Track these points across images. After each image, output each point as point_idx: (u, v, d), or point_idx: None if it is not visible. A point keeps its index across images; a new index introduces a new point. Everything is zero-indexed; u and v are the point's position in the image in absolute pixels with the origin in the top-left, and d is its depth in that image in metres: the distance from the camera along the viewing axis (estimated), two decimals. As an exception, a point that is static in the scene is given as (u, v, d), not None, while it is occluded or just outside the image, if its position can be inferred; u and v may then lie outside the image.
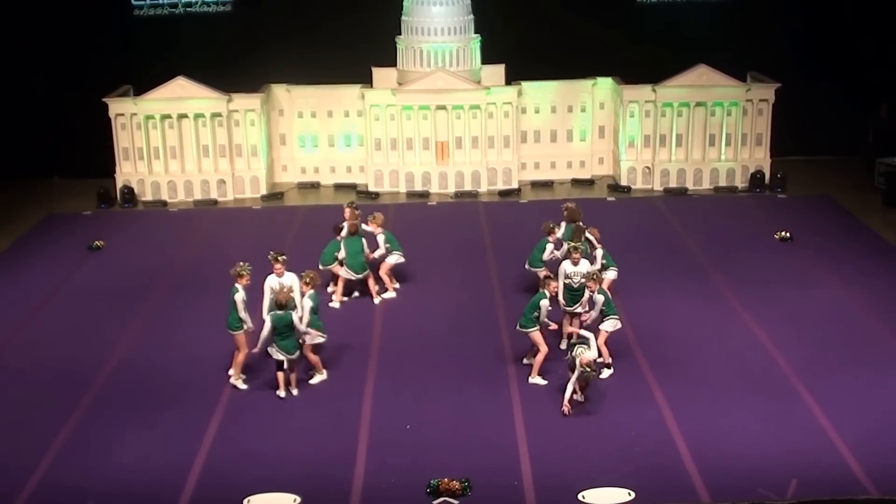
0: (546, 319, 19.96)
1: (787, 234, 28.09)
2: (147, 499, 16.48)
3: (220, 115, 33.29)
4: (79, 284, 26.07)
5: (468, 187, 33.73)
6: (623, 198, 33.03)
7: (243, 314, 19.84)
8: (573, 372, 18.71)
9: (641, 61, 33.96)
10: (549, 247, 22.98)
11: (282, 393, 19.70)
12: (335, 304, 24.07)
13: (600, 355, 19.89)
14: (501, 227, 29.81)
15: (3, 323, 23.59)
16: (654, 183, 33.76)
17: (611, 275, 22.57)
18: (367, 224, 24.18)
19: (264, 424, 18.68)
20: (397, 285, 24.85)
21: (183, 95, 32.91)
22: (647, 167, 33.81)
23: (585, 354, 18.51)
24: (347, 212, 24.32)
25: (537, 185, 34.27)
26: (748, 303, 23.62)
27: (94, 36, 34.45)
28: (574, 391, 18.87)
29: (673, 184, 33.68)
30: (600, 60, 34.39)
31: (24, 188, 34.62)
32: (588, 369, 18.45)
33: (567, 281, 21.04)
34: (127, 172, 33.52)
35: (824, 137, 35.91)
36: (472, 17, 33.71)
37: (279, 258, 20.54)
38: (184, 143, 33.49)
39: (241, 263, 20.04)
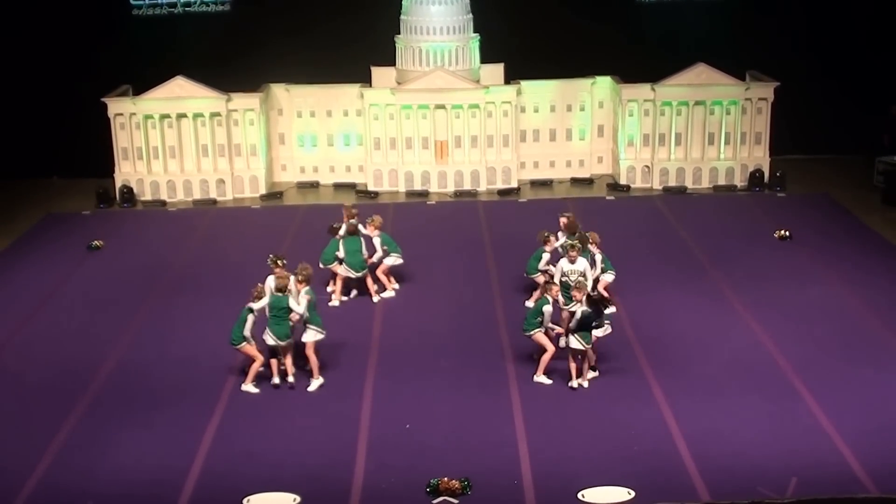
0: (550, 324, 19.95)
1: (787, 233, 28.09)
2: (147, 499, 16.47)
3: (219, 114, 33.29)
4: (78, 284, 26.07)
5: (467, 186, 33.74)
6: (622, 197, 33.03)
7: (248, 333, 19.81)
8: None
9: (640, 60, 33.97)
10: (546, 257, 22.94)
11: (276, 380, 19.83)
12: (335, 303, 24.07)
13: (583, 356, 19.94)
14: (501, 227, 29.81)
15: (2, 322, 23.58)
16: (653, 182, 33.77)
17: (608, 277, 22.56)
18: (364, 227, 24.18)
19: (264, 424, 18.67)
20: (396, 285, 24.85)
21: (182, 95, 32.90)
22: (647, 166, 33.81)
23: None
24: (345, 214, 24.37)
25: (536, 184, 34.27)
26: (747, 302, 23.62)
27: (93, 36, 34.43)
28: (583, 371, 19.39)
29: (672, 183, 33.68)
30: (599, 59, 34.40)
31: (24, 188, 34.61)
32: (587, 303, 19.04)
33: (563, 279, 21.05)
34: (126, 172, 33.52)
35: (823, 136, 35.92)
36: (471, 16, 33.71)
37: (279, 262, 20.55)
38: (183, 142, 33.48)
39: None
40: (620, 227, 27.90)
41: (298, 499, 16.27)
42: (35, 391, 20.18)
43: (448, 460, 17.15)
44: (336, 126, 34.76)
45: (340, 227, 24.10)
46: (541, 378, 19.98)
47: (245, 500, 16.25)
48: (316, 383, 20.05)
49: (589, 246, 22.26)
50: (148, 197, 33.48)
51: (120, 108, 33.12)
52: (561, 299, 20.77)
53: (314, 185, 34.72)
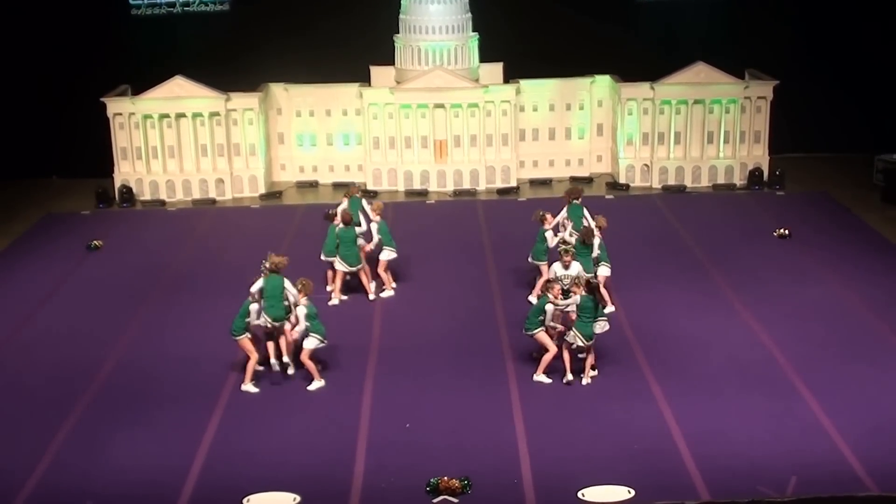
0: (552, 322, 19.94)
1: (786, 232, 28.09)
2: (146, 499, 16.46)
3: (218, 114, 33.28)
4: (77, 284, 26.06)
5: (467, 186, 33.74)
6: (622, 196, 33.04)
7: (252, 319, 19.85)
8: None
9: (639, 59, 33.99)
10: (549, 234, 23.00)
11: (273, 361, 19.95)
12: (334, 302, 24.06)
13: (585, 351, 19.99)
14: (500, 226, 29.81)
15: (1, 323, 23.58)
16: (652, 181, 33.77)
17: (604, 271, 22.56)
18: (368, 207, 24.26)
19: (264, 424, 18.67)
20: (395, 285, 24.83)
21: (181, 95, 32.90)
22: (646, 165, 33.82)
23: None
24: (349, 193, 24.90)
25: (536, 183, 34.28)
26: (747, 300, 23.63)
27: (92, 36, 34.43)
28: (584, 368, 19.53)
29: (671, 181, 33.69)
30: (598, 58, 34.40)
31: (23, 188, 34.61)
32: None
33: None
34: (125, 172, 33.51)
35: (823, 134, 35.95)
36: (469, 15, 33.71)
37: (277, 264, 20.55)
38: (182, 142, 33.48)
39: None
40: (620, 226, 27.80)
41: (298, 498, 16.27)
42: (34, 391, 20.17)
43: (448, 460, 17.15)
44: (335, 125, 34.76)
45: (336, 214, 24.13)
46: (540, 377, 19.98)
47: (245, 500, 16.25)
48: (316, 384, 20.04)
49: (594, 231, 22.31)
50: (147, 197, 33.47)
51: (119, 107, 33.11)
52: (560, 301, 20.67)
53: (313, 185, 34.72)
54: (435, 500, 16.12)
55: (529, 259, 23.56)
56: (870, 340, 21.49)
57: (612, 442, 17.72)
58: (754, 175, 33.34)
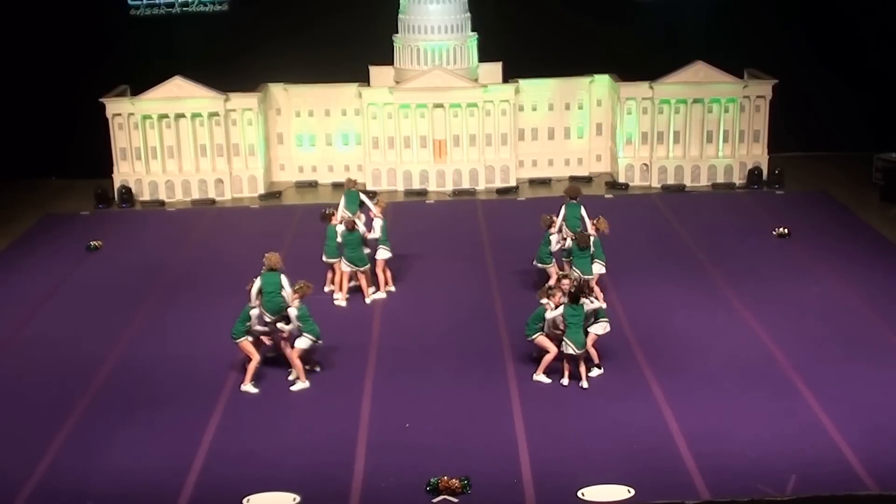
0: (552, 329, 19.94)
1: (785, 231, 28.09)
2: (146, 499, 16.45)
3: (217, 114, 33.28)
4: (77, 284, 26.06)
5: (466, 185, 33.74)
6: (621, 195, 33.03)
7: (252, 324, 19.91)
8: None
9: (638, 58, 33.99)
10: (554, 238, 22.99)
11: (267, 341, 20.14)
12: (342, 303, 24.02)
13: (589, 358, 20.07)
14: (499, 225, 29.81)
15: (1, 323, 23.57)
16: (651, 180, 33.77)
17: (597, 269, 22.55)
18: (369, 201, 24.45)
19: (263, 424, 18.66)
20: (391, 288, 24.72)
21: (180, 95, 32.90)
22: (645, 164, 33.82)
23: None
24: (347, 185, 25.30)
25: (535, 182, 34.28)
26: (746, 299, 23.63)
27: (90, 36, 34.43)
28: (579, 374, 19.53)
29: (671, 181, 33.69)
30: (597, 58, 34.40)
31: (22, 188, 34.60)
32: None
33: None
34: (124, 172, 33.51)
35: (822, 133, 35.95)
36: (468, 14, 33.71)
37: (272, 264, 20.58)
38: (181, 142, 33.48)
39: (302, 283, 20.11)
40: (619, 226, 27.71)
41: (298, 498, 16.26)
42: (34, 391, 20.17)
43: (448, 459, 17.14)
44: (334, 125, 34.76)
45: (334, 214, 24.11)
46: (540, 377, 19.98)
47: (245, 500, 16.24)
48: (300, 385, 20.02)
49: (590, 236, 22.33)
50: (146, 197, 33.47)
51: (118, 108, 33.11)
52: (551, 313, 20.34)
53: (313, 185, 34.72)
54: (435, 500, 16.11)
55: (534, 263, 23.54)
56: (869, 339, 21.49)
57: (611, 441, 17.71)
58: (753, 174, 33.34)
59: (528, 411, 18.79)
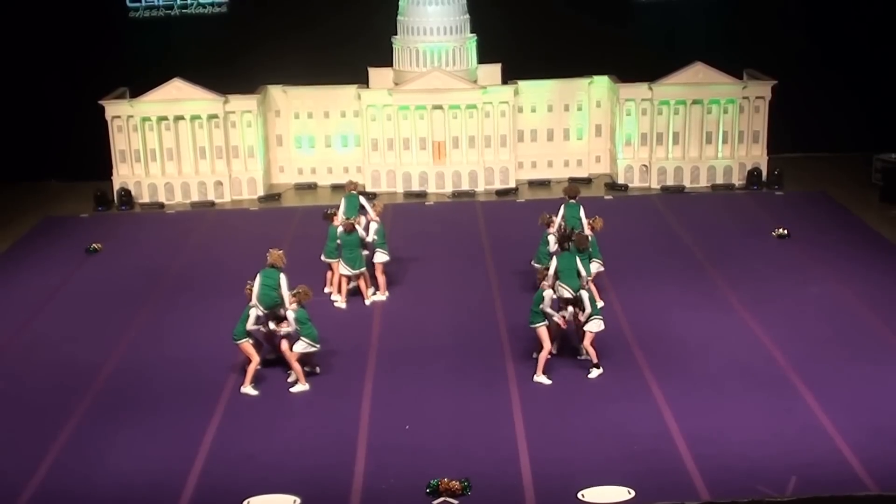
0: (551, 310, 19.94)
1: (785, 231, 28.10)
2: (146, 502, 16.45)
3: (216, 116, 33.28)
4: (76, 287, 26.06)
5: (465, 187, 33.73)
6: (620, 196, 33.04)
7: (252, 327, 19.92)
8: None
9: (638, 59, 33.98)
10: (552, 238, 23.00)
11: (263, 329, 20.16)
12: (342, 305, 24.04)
13: (587, 353, 20.23)
14: (499, 227, 29.81)
15: (1, 326, 23.57)
16: (651, 181, 33.78)
17: (595, 268, 22.56)
18: (368, 205, 24.37)
19: (263, 426, 18.67)
20: (387, 293, 24.69)
21: (179, 97, 32.90)
22: (644, 165, 33.82)
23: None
24: (347, 188, 25.11)
25: (534, 184, 34.28)
26: (746, 300, 23.63)
27: (89, 38, 34.41)
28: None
29: (670, 182, 33.69)
30: (596, 59, 34.41)
31: (22, 191, 34.58)
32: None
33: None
34: (124, 175, 33.50)
35: (821, 134, 35.94)
36: (467, 16, 33.72)
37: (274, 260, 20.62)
38: (180, 144, 33.48)
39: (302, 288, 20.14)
40: (619, 227, 27.84)
41: (298, 500, 16.26)
42: (34, 394, 20.16)
43: (448, 461, 17.15)
44: (333, 127, 34.77)
45: (336, 213, 24.11)
46: (540, 378, 19.99)
47: (245, 502, 16.24)
48: (300, 387, 20.04)
49: (587, 237, 22.35)
50: (146, 199, 33.47)
51: (117, 110, 33.11)
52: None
53: (312, 187, 34.72)
54: (435, 502, 16.11)
55: (533, 262, 23.54)
56: (869, 339, 21.50)
57: (611, 442, 17.71)
58: (753, 175, 33.34)
59: (528, 413, 18.79)
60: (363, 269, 23.97)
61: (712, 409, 18.74)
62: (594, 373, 20.09)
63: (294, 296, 19.85)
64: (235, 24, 34.77)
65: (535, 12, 34.48)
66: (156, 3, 34.88)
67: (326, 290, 24.52)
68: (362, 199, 24.77)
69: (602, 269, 23.04)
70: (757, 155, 33.71)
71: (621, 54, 34.37)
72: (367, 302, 24.15)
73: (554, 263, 20.63)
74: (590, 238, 22.66)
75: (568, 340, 21.02)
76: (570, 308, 20.29)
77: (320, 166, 34.93)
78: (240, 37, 34.37)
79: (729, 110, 33.41)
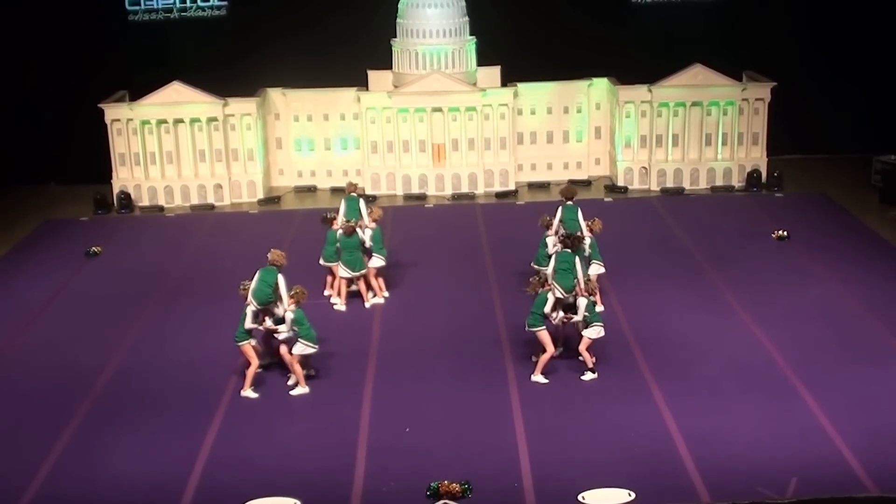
0: (554, 315, 19.96)
1: (785, 233, 28.10)
2: (147, 505, 16.49)
3: (216, 119, 33.29)
4: (76, 290, 26.06)
5: (465, 189, 33.73)
6: (620, 198, 33.04)
7: (250, 325, 19.91)
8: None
9: (637, 61, 34.01)
10: (551, 240, 22.99)
11: (261, 327, 20.21)
12: (341, 308, 24.03)
13: (580, 356, 20.25)
14: (499, 229, 29.81)
15: (1, 329, 23.57)
16: (650, 183, 33.78)
17: (595, 269, 22.53)
18: (366, 210, 24.35)
19: (264, 429, 18.66)
20: (386, 294, 24.69)
21: (179, 100, 32.91)
22: (644, 167, 33.82)
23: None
24: (347, 190, 25.27)
25: (534, 186, 34.28)
26: (746, 302, 23.63)
27: (89, 41, 34.41)
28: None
29: (670, 184, 33.69)
30: (596, 61, 34.43)
31: (21, 194, 34.58)
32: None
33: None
34: (123, 178, 33.51)
35: (820, 136, 35.96)
36: (467, 18, 33.73)
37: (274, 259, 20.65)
38: (180, 147, 33.48)
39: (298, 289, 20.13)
40: (618, 229, 27.85)
41: (298, 503, 16.25)
42: (34, 398, 20.15)
43: (448, 463, 17.14)
44: (333, 130, 34.77)
45: (335, 218, 24.11)
46: (538, 378, 20.00)
47: (245, 506, 16.27)
48: (300, 390, 20.02)
49: (584, 238, 22.31)
50: (145, 203, 33.47)
51: (117, 113, 33.12)
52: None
53: (312, 190, 34.73)
54: (435, 504, 16.15)
55: (532, 265, 23.53)
56: (869, 341, 21.49)
57: (612, 444, 17.71)
58: (752, 177, 33.35)
59: (529, 415, 18.79)
60: (364, 271, 23.98)
61: (712, 410, 18.73)
62: (587, 376, 20.06)
63: (292, 297, 19.85)
64: (235, 26, 34.77)
65: (535, 14, 34.49)
66: (155, 6, 34.89)
67: (326, 293, 24.52)
68: (361, 203, 24.76)
69: (603, 270, 23.05)
70: (756, 157, 33.72)
71: (621, 56, 34.39)
72: (367, 304, 24.16)
73: (552, 262, 20.79)
74: (589, 240, 22.65)
75: (569, 342, 21.00)
76: (561, 312, 20.27)
77: (320, 169, 34.94)
78: (239, 40, 34.37)
79: (728, 112, 33.42)
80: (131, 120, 33.10)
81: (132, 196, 33.30)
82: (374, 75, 34.36)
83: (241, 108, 33.51)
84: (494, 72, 34.35)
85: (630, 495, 16.13)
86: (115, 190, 33.38)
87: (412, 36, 33.57)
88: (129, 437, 18.40)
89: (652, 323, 22.72)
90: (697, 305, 23.66)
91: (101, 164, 33.51)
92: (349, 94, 34.08)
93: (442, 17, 33.35)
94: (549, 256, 22.83)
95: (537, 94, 34.45)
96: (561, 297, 20.12)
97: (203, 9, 35.01)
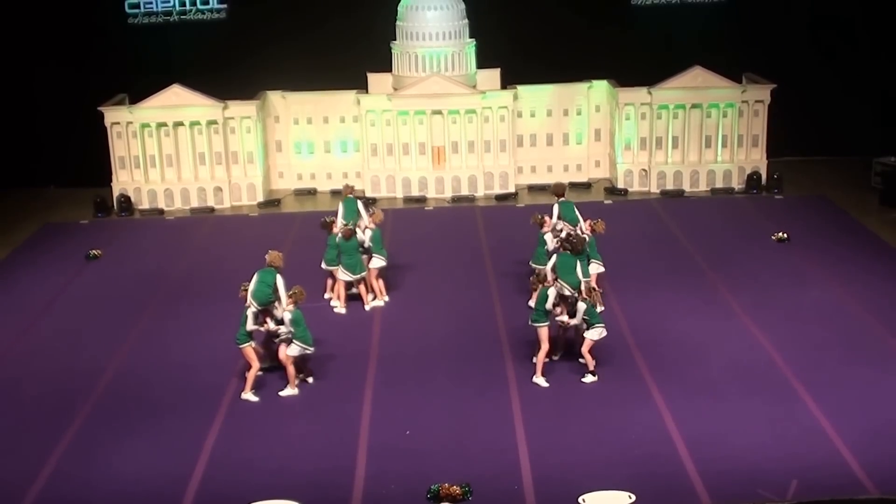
0: (557, 310, 20.01)
1: (785, 235, 28.10)
2: (147, 508, 16.49)
3: (215, 122, 33.30)
4: (76, 293, 26.06)
5: (465, 192, 33.74)
6: (620, 200, 33.05)
7: (251, 327, 19.90)
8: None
9: (637, 64, 34.02)
10: (549, 237, 23.01)
11: (262, 329, 20.27)
12: (341, 310, 24.02)
13: (584, 359, 20.20)
14: (499, 232, 29.81)
15: (1, 332, 23.57)
16: (650, 185, 33.78)
17: (594, 269, 22.51)
18: (364, 211, 24.33)
19: (264, 432, 18.65)
20: (387, 297, 24.68)
21: (178, 103, 32.91)
22: (644, 169, 33.82)
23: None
24: (344, 193, 25.22)
25: (534, 188, 34.27)
26: (746, 304, 23.62)
27: (88, 45, 34.47)
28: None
29: (669, 186, 33.69)
30: (596, 63, 34.44)
31: (21, 198, 34.60)
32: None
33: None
34: (123, 181, 33.51)
35: (820, 138, 35.96)
36: (466, 21, 33.74)
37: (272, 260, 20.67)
38: (180, 151, 33.50)
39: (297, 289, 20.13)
40: (618, 231, 27.81)
41: (299, 506, 16.28)
42: (35, 401, 20.15)
43: (448, 466, 17.14)
44: (333, 133, 34.78)
45: (334, 222, 24.11)
46: (539, 380, 20.00)
47: (246, 508, 16.27)
48: (288, 391, 20.02)
49: (585, 238, 22.30)
50: (145, 206, 33.47)
51: (116, 117, 33.12)
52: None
53: (311, 193, 34.73)
54: (436, 507, 16.15)
55: (531, 263, 23.54)
56: (869, 343, 21.49)
57: (612, 447, 17.71)
58: (752, 179, 33.34)
59: (529, 417, 18.78)
60: (363, 273, 23.99)
61: (713, 412, 18.73)
62: (588, 378, 20.07)
63: (290, 297, 19.85)
64: (234, 29, 34.79)
65: (534, 17, 34.53)
66: (155, 9, 34.92)
67: (327, 295, 24.52)
68: (359, 205, 24.77)
69: (602, 269, 23.02)
70: (756, 159, 33.72)
71: (620, 59, 34.40)
72: (367, 307, 24.15)
73: (552, 261, 20.95)
74: (587, 238, 22.61)
75: (570, 344, 20.98)
76: (565, 316, 20.30)
77: (320, 172, 34.94)
78: (239, 43, 34.39)
79: (728, 114, 33.42)
80: (131, 123, 33.11)
81: (132, 199, 33.31)
82: (373, 78, 34.37)
83: (241, 110, 33.52)
84: (494, 74, 34.37)
85: (630, 497, 16.13)
86: (115, 193, 33.38)
87: (412, 38, 33.57)
88: (130, 440, 18.40)
89: (652, 325, 22.72)
90: (697, 307, 23.66)
91: (101, 168, 33.52)
92: (349, 96, 34.09)
93: (442, 19, 33.36)
94: (549, 253, 22.88)
95: (537, 96, 34.46)
96: (569, 294, 20.26)
97: (202, 12, 35.04)
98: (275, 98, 34.65)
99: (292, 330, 19.79)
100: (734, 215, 30.90)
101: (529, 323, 20.31)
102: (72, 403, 19.85)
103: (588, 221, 23.17)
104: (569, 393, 19.71)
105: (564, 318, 20.32)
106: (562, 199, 23.86)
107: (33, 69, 34.77)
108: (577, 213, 23.53)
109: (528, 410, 19.05)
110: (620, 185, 33.86)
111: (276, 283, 20.08)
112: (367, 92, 34.17)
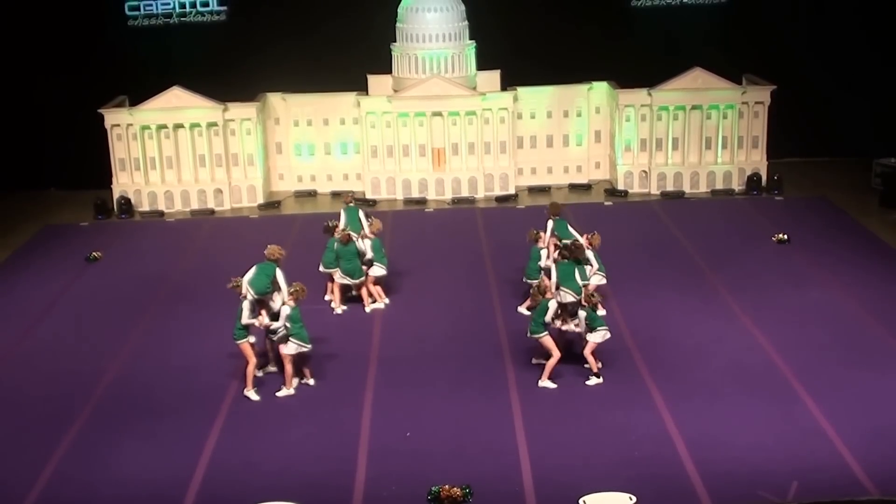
0: (557, 322, 20.00)
1: (785, 236, 28.10)
2: (148, 510, 16.48)
3: (215, 124, 33.30)
4: (77, 296, 26.05)
5: (465, 193, 33.74)
6: (620, 202, 33.05)
7: (247, 320, 19.87)
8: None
9: (637, 65, 34.03)
10: (543, 253, 23.01)
11: (271, 368, 20.37)
12: (339, 311, 24.03)
13: (587, 362, 20.17)
14: (499, 233, 29.80)
15: (1, 335, 23.56)
16: (650, 187, 33.78)
17: (596, 280, 22.47)
18: (365, 220, 24.32)
19: (265, 433, 18.65)
20: (387, 300, 24.66)
21: (179, 105, 32.92)
22: (644, 171, 33.82)
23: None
24: (344, 200, 25.39)
25: (534, 190, 34.29)
26: (746, 305, 23.62)
27: (88, 47, 34.47)
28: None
29: (670, 187, 33.69)
30: (596, 65, 34.45)
31: (21, 200, 34.62)
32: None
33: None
34: (123, 183, 33.51)
35: (821, 139, 35.98)
36: (466, 23, 33.75)
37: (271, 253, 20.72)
38: (180, 152, 33.50)
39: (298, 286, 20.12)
40: (618, 233, 27.90)
41: (300, 508, 16.28)
42: (35, 403, 20.14)
43: (449, 467, 17.14)
44: (333, 134, 34.79)
45: (337, 226, 24.11)
46: (546, 382, 19.99)
47: (246, 510, 16.26)
48: (285, 392, 20.02)
49: (587, 250, 22.26)
50: (146, 208, 33.48)
51: (117, 119, 33.13)
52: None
53: (312, 194, 34.74)
54: (436, 509, 16.14)
55: (524, 279, 23.50)
56: (869, 344, 21.49)
57: (613, 448, 17.70)
58: (753, 180, 33.34)
59: (529, 419, 18.78)
60: (363, 278, 23.99)
61: (713, 414, 18.72)
62: (593, 381, 20.06)
63: (292, 293, 19.83)
64: (234, 31, 34.81)
65: (534, 19, 34.54)
66: (155, 11, 34.93)
67: (327, 297, 24.52)
68: (361, 214, 24.70)
69: (604, 281, 22.97)
70: (756, 160, 33.73)
71: (620, 60, 34.40)
72: (368, 309, 24.15)
73: (554, 273, 21.00)
74: (592, 252, 22.53)
75: (572, 347, 20.98)
76: (561, 323, 20.36)
77: (320, 174, 34.95)
78: (239, 44, 34.41)
79: (728, 115, 33.43)
80: (131, 125, 33.12)
81: (132, 201, 33.32)
82: (373, 80, 34.37)
83: (241, 112, 33.53)
84: (494, 76, 34.38)
85: (631, 499, 16.12)
86: (116, 195, 33.39)
87: (412, 40, 33.58)
88: (130, 442, 18.40)
89: (652, 326, 22.72)
90: (698, 309, 23.66)
91: (102, 170, 33.53)
92: (349, 98, 34.10)
93: (442, 21, 33.37)
94: (540, 269, 22.86)
95: (537, 97, 34.47)
96: (572, 300, 20.34)
97: (203, 14, 35.05)
98: (275, 100, 34.66)
99: (287, 325, 19.75)
100: (734, 216, 30.90)
101: (528, 335, 20.27)
102: (72, 405, 19.84)
103: (585, 236, 23.00)
104: (569, 394, 19.71)
105: (570, 326, 20.36)
106: (556, 217, 23.74)
107: (33, 71, 34.76)
108: (570, 230, 23.43)
109: (528, 412, 19.05)
110: (620, 187, 33.87)
111: (275, 276, 20.11)
112: (367, 94, 34.18)
